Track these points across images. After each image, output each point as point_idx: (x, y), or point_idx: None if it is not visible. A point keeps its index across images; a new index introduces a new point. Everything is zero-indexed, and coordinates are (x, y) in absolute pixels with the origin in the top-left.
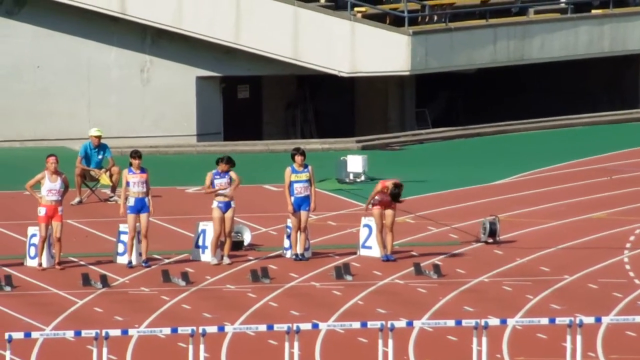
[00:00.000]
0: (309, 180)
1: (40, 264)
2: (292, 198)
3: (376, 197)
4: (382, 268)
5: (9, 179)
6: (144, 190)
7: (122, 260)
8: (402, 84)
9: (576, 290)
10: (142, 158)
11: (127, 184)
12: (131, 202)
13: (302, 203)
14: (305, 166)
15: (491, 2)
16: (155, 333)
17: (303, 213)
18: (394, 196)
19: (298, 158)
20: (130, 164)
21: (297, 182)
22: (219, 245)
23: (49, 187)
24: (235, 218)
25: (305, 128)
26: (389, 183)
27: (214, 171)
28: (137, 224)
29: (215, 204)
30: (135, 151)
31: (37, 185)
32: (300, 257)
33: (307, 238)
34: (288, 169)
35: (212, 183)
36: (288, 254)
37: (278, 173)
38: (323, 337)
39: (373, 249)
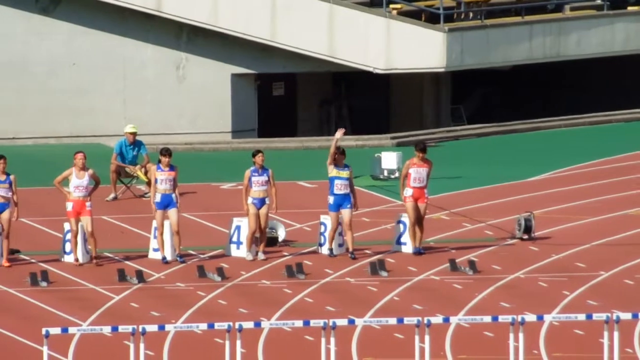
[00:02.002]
0: (349, 179)
1: (77, 259)
2: (333, 197)
3: (408, 189)
4: (417, 264)
5: (46, 175)
6: (171, 187)
7: (157, 256)
8: (438, 81)
9: (612, 287)
10: (172, 156)
11: (156, 180)
12: (158, 198)
13: (342, 202)
14: (346, 165)
15: None
16: (192, 329)
17: (345, 211)
18: (422, 149)
19: (339, 157)
20: (159, 161)
21: (338, 178)
22: (254, 241)
23: (76, 183)
24: (271, 214)
25: (339, 124)
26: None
27: (251, 168)
28: (166, 220)
29: (250, 200)
30: (165, 149)
31: (66, 182)
32: (351, 255)
33: (352, 236)
34: (331, 165)
35: (249, 181)
36: (323, 249)
37: (312, 169)
38: (359, 333)
39: (408, 245)
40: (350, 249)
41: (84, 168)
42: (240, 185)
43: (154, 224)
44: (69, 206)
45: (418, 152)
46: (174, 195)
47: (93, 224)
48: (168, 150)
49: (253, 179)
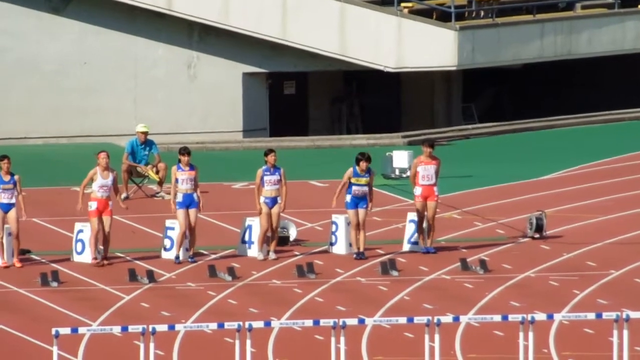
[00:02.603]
0: (367, 185)
1: (95, 258)
2: (349, 196)
3: (417, 188)
4: (428, 263)
5: (56, 174)
6: (192, 186)
7: (168, 255)
8: (449, 79)
9: (623, 286)
10: (191, 155)
11: (176, 180)
12: (179, 198)
13: (359, 201)
14: (369, 171)
15: None
16: (202, 328)
17: (361, 211)
18: (430, 144)
19: (362, 164)
20: (179, 161)
21: (356, 185)
22: (265, 240)
23: (101, 183)
24: (281, 214)
25: (351, 123)
26: (423, 149)
27: (263, 167)
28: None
29: (262, 199)
30: (184, 148)
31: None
32: (360, 256)
33: (364, 235)
34: (350, 170)
35: (261, 180)
36: (334, 249)
37: (324, 169)
38: (369, 333)
39: (419, 244)
40: (361, 249)
41: (107, 168)
42: (252, 185)
43: (166, 223)
44: (93, 205)
45: (426, 147)
46: (195, 195)
47: (111, 225)
48: (187, 149)
49: (265, 178)
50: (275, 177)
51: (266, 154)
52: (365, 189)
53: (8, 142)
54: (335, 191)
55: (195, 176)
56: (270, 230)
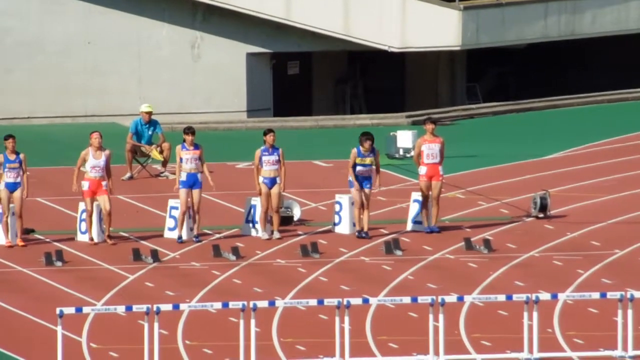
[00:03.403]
0: (373, 164)
1: (91, 239)
2: (354, 176)
3: (422, 167)
4: (432, 243)
5: (61, 154)
6: (196, 166)
7: (172, 235)
8: (453, 59)
9: (627, 265)
10: (195, 134)
11: (181, 159)
12: (183, 177)
13: (364, 181)
14: (372, 150)
15: None
16: (206, 308)
17: (365, 191)
18: (433, 121)
19: (366, 143)
20: (184, 140)
21: (361, 165)
22: (268, 220)
23: (93, 163)
24: (284, 193)
25: (355, 104)
26: (426, 127)
27: (262, 148)
28: (189, 199)
29: (260, 179)
30: (188, 127)
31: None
32: (363, 234)
33: (368, 215)
34: (354, 150)
35: (260, 161)
36: (338, 228)
37: (327, 149)
38: (373, 312)
39: (423, 224)
40: (365, 229)
41: (100, 148)
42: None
43: (170, 203)
44: (85, 185)
45: (428, 124)
46: (199, 175)
47: (111, 203)
48: (191, 128)
49: (263, 158)
50: (274, 158)
51: (265, 134)
52: (370, 168)
53: (13, 122)
54: (349, 177)
55: (200, 155)
56: (271, 210)
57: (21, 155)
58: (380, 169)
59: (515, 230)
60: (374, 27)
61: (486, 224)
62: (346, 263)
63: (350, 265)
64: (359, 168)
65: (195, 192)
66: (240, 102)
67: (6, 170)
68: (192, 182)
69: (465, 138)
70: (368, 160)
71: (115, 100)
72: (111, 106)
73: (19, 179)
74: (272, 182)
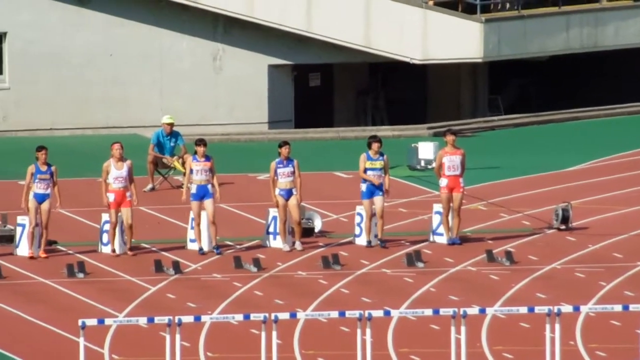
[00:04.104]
0: (382, 169)
1: (113, 250)
2: (365, 185)
3: (443, 179)
4: (453, 255)
5: (82, 166)
6: (207, 177)
7: (194, 247)
8: (475, 71)
9: None
10: (207, 146)
11: (191, 171)
12: (193, 189)
13: (375, 190)
14: (381, 154)
15: None
16: (228, 319)
17: (378, 199)
18: (453, 132)
19: (375, 145)
20: (196, 152)
21: (371, 169)
22: (288, 231)
23: (115, 174)
24: (305, 204)
25: (376, 115)
26: (446, 139)
27: (276, 160)
28: (203, 211)
29: (277, 191)
30: (200, 139)
31: None
32: (379, 243)
33: (382, 224)
34: (363, 155)
35: (275, 173)
36: (358, 240)
37: (349, 160)
38: (395, 324)
39: (445, 236)
40: (379, 236)
41: (121, 158)
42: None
43: (192, 214)
44: (110, 197)
45: (449, 135)
46: (209, 186)
47: (133, 215)
48: (203, 140)
49: (278, 170)
50: (289, 169)
51: (280, 146)
52: (381, 173)
53: (35, 133)
54: (361, 186)
55: (210, 167)
56: (292, 222)
57: (52, 167)
58: (401, 180)
59: (537, 242)
60: (395, 38)
61: (508, 235)
62: (367, 275)
63: (371, 277)
64: (369, 173)
65: (208, 202)
66: (261, 113)
67: (37, 181)
68: (203, 194)
69: (486, 150)
70: (378, 164)
71: (137, 111)
72: (133, 118)
73: (48, 191)
74: (289, 193)
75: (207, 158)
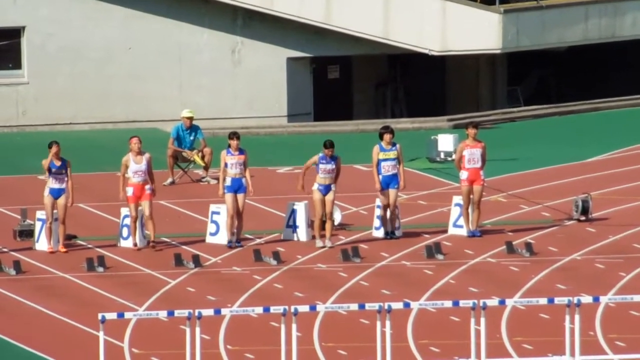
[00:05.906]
0: (397, 159)
1: (135, 244)
2: (380, 176)
3: (464, 172)
4: (473, 247)
5: (102, 160)
6: (241, 171)
7: (214, 240)
8: (494, 63)
9: None
10: (240, 139)
11: (225, 164)
12: (228, 182)
13: (391, 181)
14: (394, 144)
15: None
16: (248, 312)
17: (392, 191)
18: (474, 125)
19: (387, 136)
20: (229, 145)
21: (385, 160)
22: (320, 226)
23: (135, 168)
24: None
25: (395, 107)
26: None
27: (320, 154)
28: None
29: (315, 186)
30: (233, 132)
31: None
32: (390, 235)
33: (397, 216)
34: (376, 147)
35: (316, 166)
36: (378, 233)
37: (368, 153)
38: (415, 316)
39: (464, 228)
40: (390, 228)
41: (140, 152)
42: (297, 169)
43: (212, 208)
44: (130, 191)
45: (470, 129)
46: (244, 180)
47: (152, 208)
48: (236, 133)
49: (321, 166)
50: (331, 166)
51: (325, 146)
52: (395, 163)
53: (54, 127)
54: (374, 177)
55: (244, 160)
56: (324, 217)
57: (67, 162)
58: (421, 173)
59: (557, 233)
60: (414, 30)
61: (528, 227)
62: (387, 267)
63: (391, 269)
64: (383, 164)
65: (240, 196)
66: (280, 106)
67: (52, 176)
68: (237, 187)
69: (506, 141)
70: (392, 154)
71: (156, 105)
72: (152, 112)
73: (64, 185)
74: (327, 189)
75: (241, 151)
